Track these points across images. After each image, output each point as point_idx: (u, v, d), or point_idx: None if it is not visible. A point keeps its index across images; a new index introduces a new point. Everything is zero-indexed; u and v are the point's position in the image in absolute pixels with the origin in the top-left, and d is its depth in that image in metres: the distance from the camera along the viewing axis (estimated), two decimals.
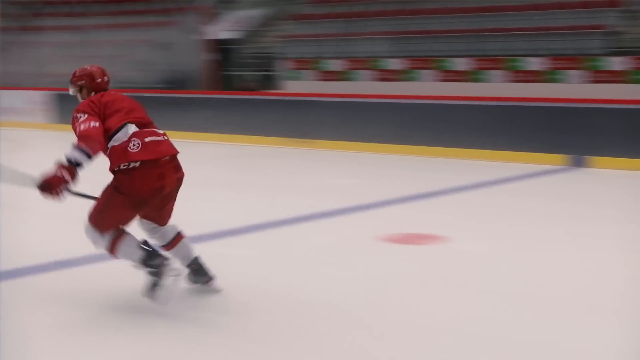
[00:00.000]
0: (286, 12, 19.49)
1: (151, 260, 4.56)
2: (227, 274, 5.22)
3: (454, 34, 16.58)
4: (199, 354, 4.12)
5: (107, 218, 4.57)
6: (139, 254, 4.58)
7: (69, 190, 4.49)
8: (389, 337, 4.29)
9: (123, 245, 4.59)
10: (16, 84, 19.22)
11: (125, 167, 4.48)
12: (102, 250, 4.69)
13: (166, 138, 4.72)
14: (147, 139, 4.55)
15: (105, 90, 4.94)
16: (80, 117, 4.55)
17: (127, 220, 4.66)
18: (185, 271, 4.88)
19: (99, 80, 4.95)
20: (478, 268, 5.70)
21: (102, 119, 4.58)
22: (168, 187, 4.63)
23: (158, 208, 4.76)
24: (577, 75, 14.64)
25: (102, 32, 21.24)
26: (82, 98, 4.92)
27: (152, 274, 4.57)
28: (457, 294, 5.08)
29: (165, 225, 4.90)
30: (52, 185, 4.39)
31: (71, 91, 5.02)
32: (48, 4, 23.82)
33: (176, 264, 4.72)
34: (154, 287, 4.56)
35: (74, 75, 5.02)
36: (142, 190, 4.51)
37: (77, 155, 4.38)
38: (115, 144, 4.52)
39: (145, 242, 4.66)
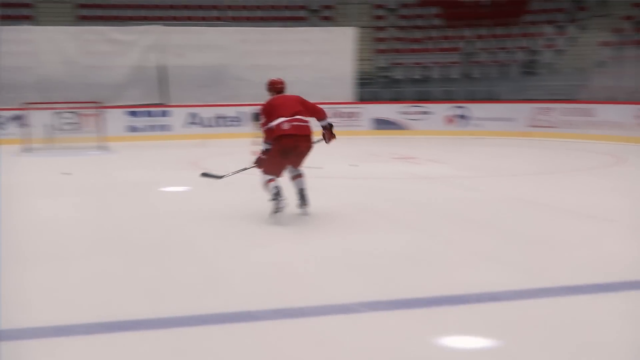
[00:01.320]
0: None
1: (274, 197, 8.05)
2: None
3: None
4: None
5: (268, 163, 8.20)
6: (272, 192, 8.06)
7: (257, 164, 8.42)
8: None
9: (270, 186, 8.09)
10: (615, 99, 19.72)
11: (279, 136, 8.02)
12: (263, 187, 8.24)
13: (306, 124, 8.17)
14: (293, 123, 8.07)
15: (280, 92, 8.50)
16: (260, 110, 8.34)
17: (278, 165, 8.21)
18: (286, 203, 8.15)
19: (271, 86, 8.54)
20: None
21: (270, 111, 8.16)
22: (300, 148, 8.17)
23: (296, 161, 8.33)
24: None
25: None
26: (270, 96, 8.45)
27: (273, 204, 8.09)
28: None
29: (297, 168, 8.47)
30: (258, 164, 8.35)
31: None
32: None
33: (282, 204, 8.06)
34: (273, 211, 8.11)
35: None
36: (285, 146, 8.07)
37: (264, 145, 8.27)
38: (273, 124, 8.06)
39: (278, 190, 8.07)
